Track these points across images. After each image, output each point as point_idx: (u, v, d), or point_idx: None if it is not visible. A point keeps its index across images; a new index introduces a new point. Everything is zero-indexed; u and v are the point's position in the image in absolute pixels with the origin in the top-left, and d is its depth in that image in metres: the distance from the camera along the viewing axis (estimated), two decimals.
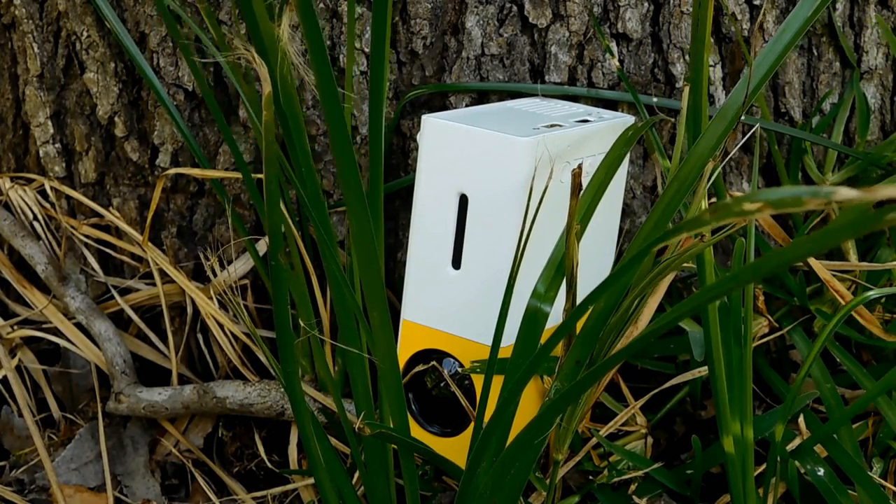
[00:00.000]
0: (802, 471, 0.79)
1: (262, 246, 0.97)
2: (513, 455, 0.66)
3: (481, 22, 0.92)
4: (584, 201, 0.72)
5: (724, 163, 0.68)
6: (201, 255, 1.00)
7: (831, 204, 0.35)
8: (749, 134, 0.76)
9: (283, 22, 0.58)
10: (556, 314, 0.70)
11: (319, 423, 0.77)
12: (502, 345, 0.69)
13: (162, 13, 0.92)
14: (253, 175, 0.96)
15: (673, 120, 0.93)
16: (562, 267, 0.69)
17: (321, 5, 0.93)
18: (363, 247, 0.63)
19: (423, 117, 0.78)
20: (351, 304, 0.67)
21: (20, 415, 0.99)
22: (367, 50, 0.94)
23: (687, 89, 0.68)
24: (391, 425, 0.72)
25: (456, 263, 0.79)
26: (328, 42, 0.93)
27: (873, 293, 0.77)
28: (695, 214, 0.67)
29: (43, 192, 1.02)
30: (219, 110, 0.92)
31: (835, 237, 0.37)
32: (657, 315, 0.88)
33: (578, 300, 0.70)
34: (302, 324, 0.76)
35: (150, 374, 1.00)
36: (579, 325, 0.70)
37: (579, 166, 0.65)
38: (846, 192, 0.35)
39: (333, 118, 0.59)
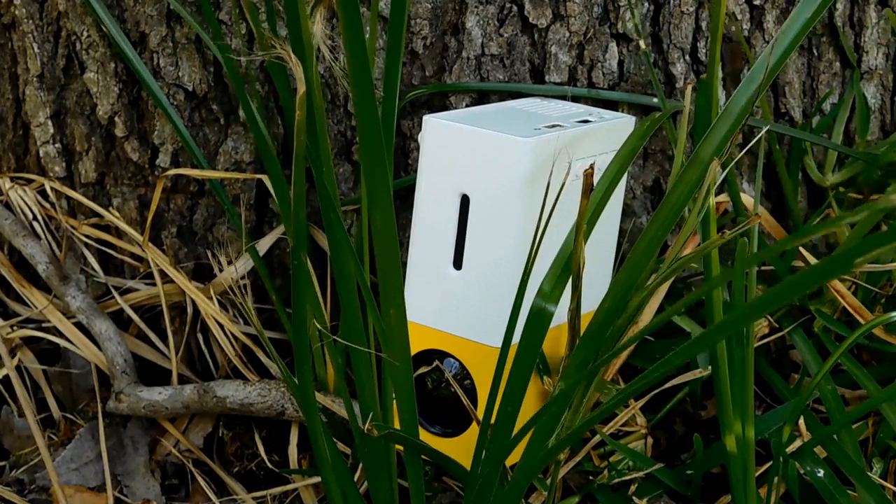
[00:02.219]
0: (802, 472, 0.79)
1: (262, 246, 0.97)
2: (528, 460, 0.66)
3: (481, 22, 0.92)
4: (592, 199, 0.71)
5: (731, 166, 0.68)
6: (208, 254, 1.00)
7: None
8: (758, 137, 0.76)
9: (315, 17, 0.58)
10: (558, 315, 0.70)
11: (324, 422, 0.77)
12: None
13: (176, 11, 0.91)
14: (254, 175, 0.96)
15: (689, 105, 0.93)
16: (568, 266, 0.69)
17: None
18: (385, 242, 0.63)
19: (425, 118, 0.78)
20: (367, 300, 0.67)
21: (20, 415, 0.99)
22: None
23: (689, 89, 0.68)
24: (396, 425, 0.72)
25: (457, 264, 0.79)
26: (330, 42, 0.93)
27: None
28: (696, 217, 0.67)
29: (43, 192, 1.02)
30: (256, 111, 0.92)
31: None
32: (657, 315, 0.88)
33: (582, 300, 0.70)
34: (317, 325, 0.76)
35: (150, 374, 1.00)
36: (584, 325, 0.70)
37: (591, 166, 0.65)
38: None
39: (367, 118, 0.59)
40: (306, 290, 0.64)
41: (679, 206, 0.66)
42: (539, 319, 0.68)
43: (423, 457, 0.74)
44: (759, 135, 0.73)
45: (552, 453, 0.66)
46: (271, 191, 0.93)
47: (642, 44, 0.92)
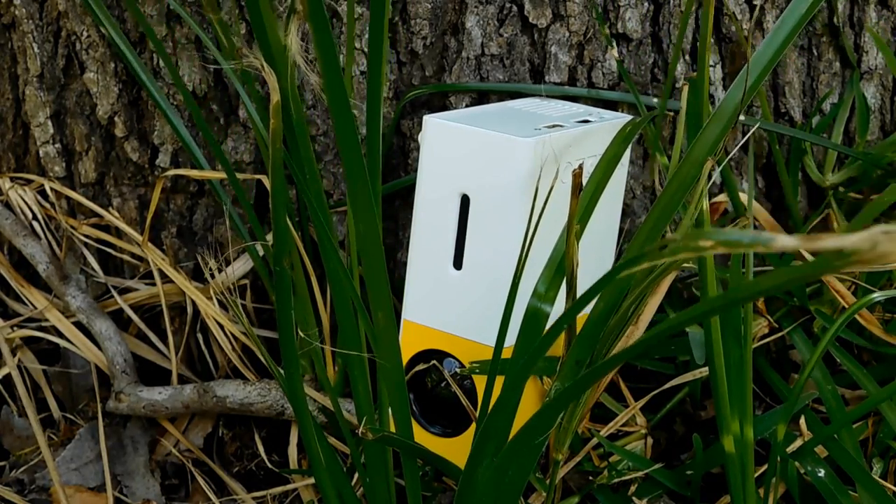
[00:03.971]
0: (803, 471, 0.79)
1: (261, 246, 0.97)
2: (512, 453, 0.66)
3: (481, 22, 0.92)
4: (583, 200, 0.72)
5: (724, 163, 0.68)
6: (199, 257, 1.00)
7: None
8: (748, 135, 0.76)
9: (290, 30, 0.58)
10: (556, 314, 0.70)
11: (319, 423, 0.77)
12: (504, 345, 0.69)
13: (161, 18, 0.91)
14: (254, 176, 0.96)
15: (673, 113, 0.93)
16: (562, 267, 0.69)
17: None
18: (369, 248, 0.63)
19: (425, 118, 0.78)
20: (356, 304, 0.67)
21: (20, 415, 0.99)
22: (366, 50, 0.94)
23: (686, 89, 0.68)
24: (392, 426, 0.72)
25: (457, 264, 0.79)
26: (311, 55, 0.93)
27: (877, 296, 0.77)
28: (691, 215, 0.67)
29: (43, 192, 1.02)
30: (205, 126, 0.92)
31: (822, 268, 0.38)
32: (657, 315, 0.88)
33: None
34: (301, 333, 0.76)
35: (150, 374, 1.00)
36: (579, 325, 0.70)
37: (580, 166, 0.65)
38: (785, 241, 0.36)
39: (343, 123, 0.59)
40: (289, 295, 0.64)
41: (672, 205, 0.66)
42: (535, 320, 0.68)
43: (421, 458, 0.74)
44: (751, 131, 0.73)
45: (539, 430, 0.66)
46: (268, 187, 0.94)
47: (615, 53, 0.92)
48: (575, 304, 0.55)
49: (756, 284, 0.41)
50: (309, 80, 0.94)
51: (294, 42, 0.58)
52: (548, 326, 0.69)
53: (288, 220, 0.89)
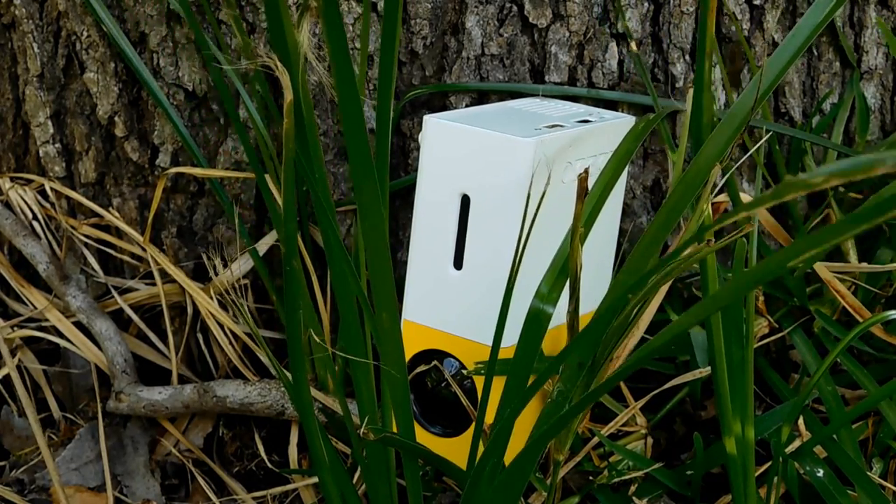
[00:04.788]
0: (802, 471, 0.80)
1: (262, 246, 0.97)
2: (518, 468, 0.66)
3: (481, 22, 0.92)
4: (589, 200, 0.72)
5: (734, 168, 0.68)
6: (203, 255, 1.00)
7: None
8: (763, 141, 0.75)
9: (303, 27, 0.58)
10: (558, 315, 0.70)
11: (321, 423, 0.77)
12: (505, 345, 0.69)
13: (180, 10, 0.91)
14: (253, 175, 0.96)
15: (683, 107, 0.93)
16: (565, 268, 0.69)
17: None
18: (375, 250, 0.63)
19: (425, 118, 0.78)
20: (361, 303, 0.67)
21: (20, 415, 0.99)
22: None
23: (691, 91, 0.68)
24: (394, 427, 0.72)
25: (457, 264, 0.79)
26: (321, 51, 0.93)
27: (893, 314, 0.77)
28: (696, 220, 0.67)
29: (43, 192, 1.02)
30: (233, 109, 0.92)
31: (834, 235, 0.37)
32: (657, 315, 0.88)
33: (581, 301, 0.70)
34: (312, 334, 0.76)
35: (150, 374, 1.00)
36: (581, 326, 0.70)
37: (586, 170, 0.65)
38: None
39: (353, 125, 0.59)
40: (298, 296, 0.63)
41: (679, 208, 0.66)
42: (537, 320, 0.68)
43: (423, 459, 0.74)
44: (763, 140, 0.73)
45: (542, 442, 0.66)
46: (272, 189, 0.93)
47: (633, 45, 0.92)
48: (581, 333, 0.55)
49: (760, 268, 0.40)
50: (309, 79, 0.93)
51: (306, 40, 0.58)
52: (550, 327, 0.69)
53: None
